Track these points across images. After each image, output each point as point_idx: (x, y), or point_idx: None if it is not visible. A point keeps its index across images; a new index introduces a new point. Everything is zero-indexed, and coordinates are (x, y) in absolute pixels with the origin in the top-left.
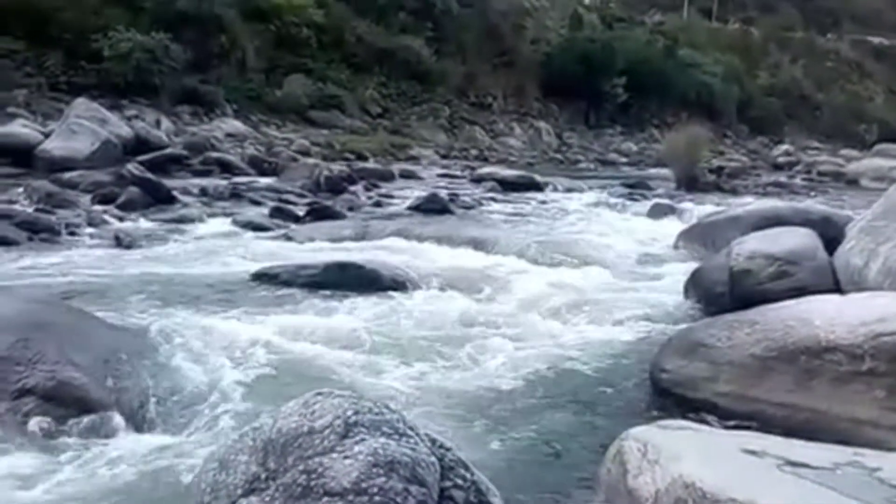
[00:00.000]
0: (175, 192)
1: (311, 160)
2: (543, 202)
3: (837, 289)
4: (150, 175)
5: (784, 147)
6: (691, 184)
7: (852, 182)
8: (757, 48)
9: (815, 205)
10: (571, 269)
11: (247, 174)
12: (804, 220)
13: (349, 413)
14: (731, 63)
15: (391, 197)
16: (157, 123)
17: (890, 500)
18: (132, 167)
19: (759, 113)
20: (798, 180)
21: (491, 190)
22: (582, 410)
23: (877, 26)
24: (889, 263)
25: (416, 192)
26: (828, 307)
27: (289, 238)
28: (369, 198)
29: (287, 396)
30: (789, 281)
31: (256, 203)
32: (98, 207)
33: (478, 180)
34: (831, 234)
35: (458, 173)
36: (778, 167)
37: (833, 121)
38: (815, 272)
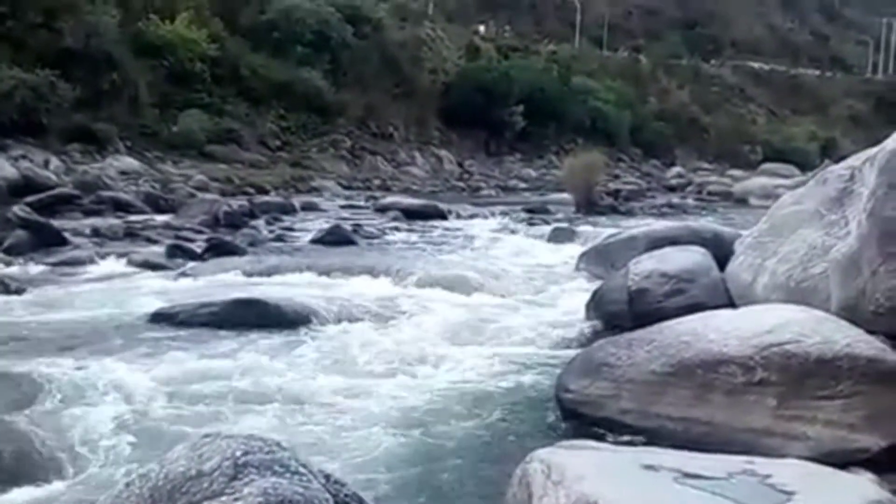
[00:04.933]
0: (66, 234)
1: (209, 196)
2: (447, 229)
3: (730, 303)
4: (38, 217)
5: (676, 169)
6: (590, 207)
7: (740, 201)
8: (646, 75)
9: (706, 224)
10: (475, 295)
11: (142, 212)
12: (697, 239)
13: (238, 454)
14: (623, 89)
15: (293, 230)
16: (46, 163)
17: None
18: (18, 209)
19: (651, 137)
20: (690, 200)
21: (395, 219)
22: (489, 435)
23: (756, 52)
24: (775, 277)
25: (318, 224)
26: (720, 322)
27: (187, 276)
28: (271, 231)
29: (180, 441)
30: (684, 298)
31: (153, 241)
32: None
33: (381, 210)
34: (722, 252)
35: (362, 203)
36: (671, 188)
37: (720, 142)
38: (709, 288)
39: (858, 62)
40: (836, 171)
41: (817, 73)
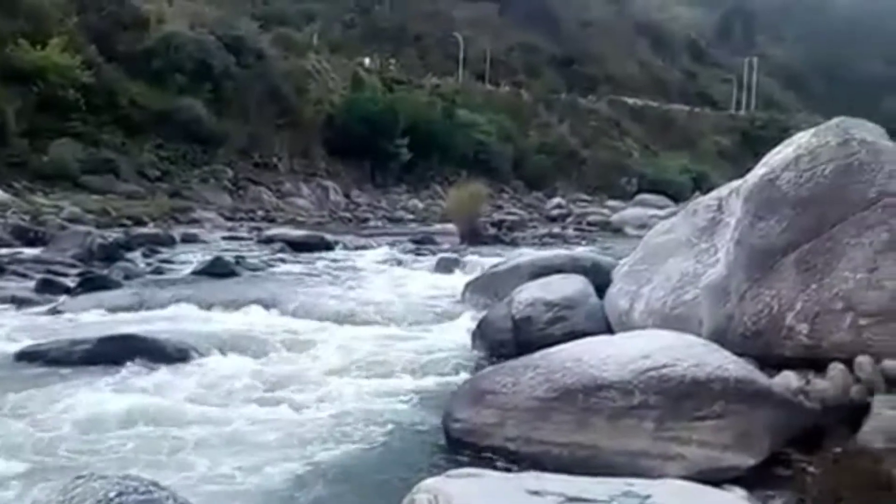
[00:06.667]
0: None
1: (82, 228)
2: (334, 260)
3: (609, 330)
4: None
5: (556, 200)
6: (474, 237)
7: (617, 230)
8: (527, 109)
9: (586, 252)
10: (361, 327)
11: (10, 246)
12: (577, 268)
13: (112, 495)
14: (505, 123)
15: (172, 262)
16: None
17: None
18: None
19: (533, 169)
20: (570, 230)
21: (280, 251)
22: (375, 467)
23: (630, 88)
24: (651, 304)
25: (199, 256)
26: (600, 348)
27: (59, 312)
28: (148, 264)
29: (50, 484)
30: (566, 325)
31: (22, 276)
32: None
33: (266, 241)
34: (601, 279)
35: (245, 235)
36: (552, 219)
37: (598, 174)
38: (589, 315)
39: (724, 99)
40: (704, 202)
41: (687, 108)
